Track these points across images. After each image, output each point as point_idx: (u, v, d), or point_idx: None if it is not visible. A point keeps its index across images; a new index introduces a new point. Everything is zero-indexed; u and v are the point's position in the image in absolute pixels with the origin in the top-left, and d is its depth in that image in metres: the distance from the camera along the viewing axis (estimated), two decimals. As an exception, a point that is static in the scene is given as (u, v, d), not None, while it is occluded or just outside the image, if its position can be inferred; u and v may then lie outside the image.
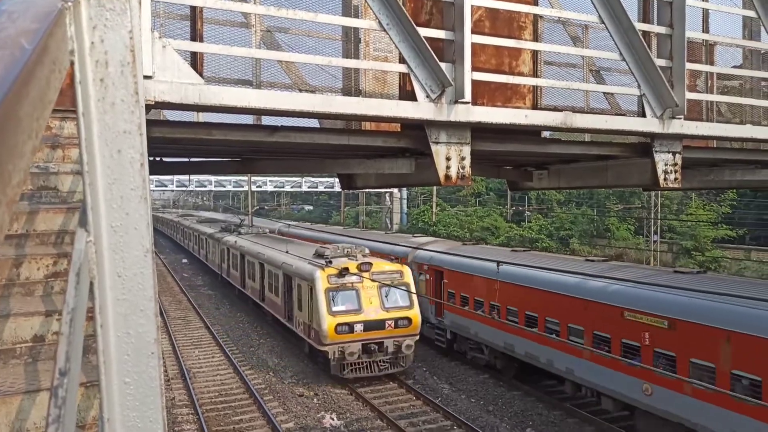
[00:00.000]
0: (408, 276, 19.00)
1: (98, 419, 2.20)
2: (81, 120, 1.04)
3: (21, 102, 0.52)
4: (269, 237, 33.43)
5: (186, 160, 8.04)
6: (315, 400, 17.04)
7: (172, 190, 73.46)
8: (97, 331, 1.06)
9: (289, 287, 21.37)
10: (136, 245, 1.07)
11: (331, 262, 18.76)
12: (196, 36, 4.43)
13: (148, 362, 1.10)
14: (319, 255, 20.41)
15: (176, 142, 5.48)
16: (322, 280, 18.01)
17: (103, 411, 1.05)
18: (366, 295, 18.20)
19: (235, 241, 31.88)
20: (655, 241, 37.47)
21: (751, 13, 6.19)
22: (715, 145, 7.48)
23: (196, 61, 4.40)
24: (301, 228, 43.00)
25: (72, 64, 1.04)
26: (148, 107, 3.73)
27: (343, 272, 18.14)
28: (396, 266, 19.60)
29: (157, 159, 7.23)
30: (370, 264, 18.46)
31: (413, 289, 18.60)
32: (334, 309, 17.82)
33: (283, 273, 22.04)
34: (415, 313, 18.42)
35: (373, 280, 17.69)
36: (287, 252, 23.37)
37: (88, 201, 1.05)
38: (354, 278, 18.25)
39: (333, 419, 15.50)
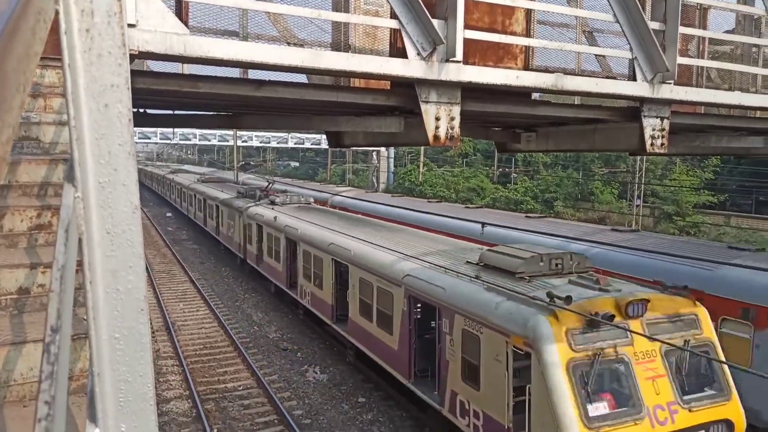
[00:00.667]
0: (708, 326, 9.14)
1: (85, 371, 2.22)
2: (67, 72, 1.01)
3: (7, 56, 0.50)
4: (320, 212, 22.64)
5: (170, 112, 7.89)
6: (299, 354, 17.33)
7: (156, 143, 70.95)
8: (86, 287, 1.06)
9: (445, 332, 10.47)
10: (125, 202, 1.06)
11: (570, 298, 8.07)
12: (181, -17, 4.29)
13: (137, 318, 1.10)
14: (518, 274, 9.84)
15: (160, 94, 5.37)
16: (558, 343, 7.95)
17: (93, 365, 1.06)
18: (644, 373, 8.30)
19: (275, 217, 21.84)
20: (637, 206, 37.95)
21: (747, -22, 6.12)
22: (702, 111, 7.51)
23: (181, 9, 4.28)
24: (357, 199, 29.36)
25: (57, 13, 1.00)
26: (132, 57, 3.64)
27: (600, 320, 7.86)
28: (682, 302, 9.17)
29: (141, 111, 7.09)
30: (645, 302, 8.49)
31: (720, 353, 9.04)
32: (592, 411, 7.76)
33: (436, 307, 10.80)
34: (736, 410, 8.76)
35: (652, 339, 8.06)
36: (416, 258, 12.40)
37: (75, 156, 1.03)
38: (614, 335, 8.26)
39: (316, 373, 15.81)
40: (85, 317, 2.21)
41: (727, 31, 7.16)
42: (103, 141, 1.04)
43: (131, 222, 1.06)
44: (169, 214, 52.07)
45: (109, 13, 1.04)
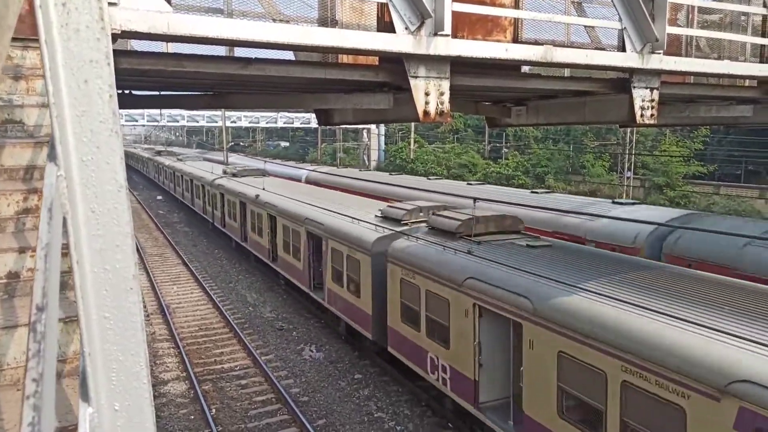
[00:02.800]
0: None
1: (78, 353, 2.22)
2: (44, 48, 0.98)
3: None
4: (260, 180, 27.94)
5: (156, 93, 7.78)
6: (294, 333, 17.44)
7: (143, 125, 69.84)
8: (73, 267, 1.05)
9: (326, 251, 16.59)
10: (109, 180, 1.04)
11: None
12: (162, -40, 4.19)
13: (127, 297, 1.10)
14: None
15: (145, 74, 5.28)
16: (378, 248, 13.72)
17: (84, 345, 1.05)
18: None
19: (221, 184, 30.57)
20: (628, 177, 38.11)
21: (737, -56, 6.07)
22: (692, 81, 7.50)
23: (163, -13, 4.18)
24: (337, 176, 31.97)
25: (30, -15, 0.97)
26: (114, 37, 3.57)
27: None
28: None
29: (126, 92, 6.98)
30: None
31: None
32: None
33: (321, 238, 16.98)
34: None
35: None
36: (317, 206, 19.15)
37: (57, 134, 1.01)
38: None
39: (312, 351, 15.94)
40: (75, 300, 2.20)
41: (717, 0, 7.12)
42: (85, 118, 1.02)
43: (117, 200, 1.05)
44: (159, 197, 51.79)
45: (86, -14, 1.01)
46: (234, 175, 30.55)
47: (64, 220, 1.04)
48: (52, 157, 1.03)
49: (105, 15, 1.10)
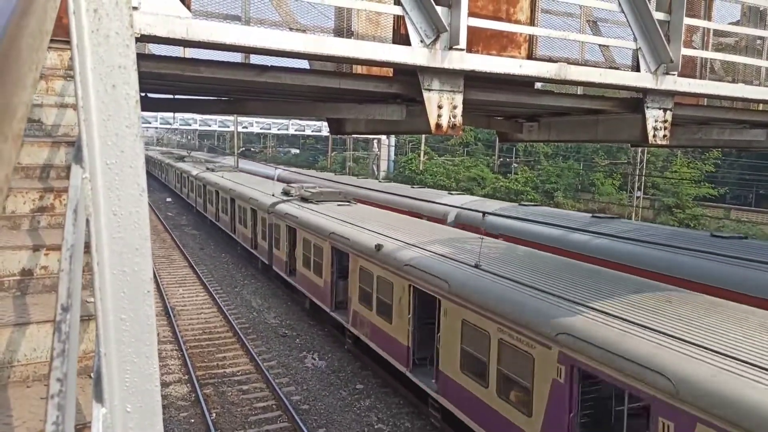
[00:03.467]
0: None
1: (88, 353, 2.24)
2: (75, 53, 1.01)
3: (22, 33, 0.50)
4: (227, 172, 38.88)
5: (171, 96, 7.86)
6: (297, 340, 17.41)
7: (156, 128, 70.29)
8: (93, 269, 1.07)
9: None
10: (131, 183, 1.06)
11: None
12: (183, -34, 4.25)
13: (143, 300, 1.11)
14: None
15: (162, 78, 5.34)
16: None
17: (100, 346, 1.07)
18: None
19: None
20: (638, 197, 37.95)
21: (754, -31, 6.08)
22: (705, 103, 7.49)
23: (183, -7, 4.24)
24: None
25: (66, -6, 1.00)
26: (134, 39, 3.62)
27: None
28: None
29: (142, 94, 7.05)
30: None
31: None
32: None
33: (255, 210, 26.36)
34: None
35: None
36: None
37: (83, 137, 1.03)
38: None
39: (315, 359, 15.90)
40: (88, 299, 2.22)
41: (732, 23, 7.12)
42: (111, 122, 1.04)
43: (138, 204, 1.07)
44: (168, 199, 52.10)
45: (117, -6, 1.04)
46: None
47: (87, 221, 1.06)
48: (77, 159, 1.05)
49: (133, 22, 1.13)
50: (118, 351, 1.05)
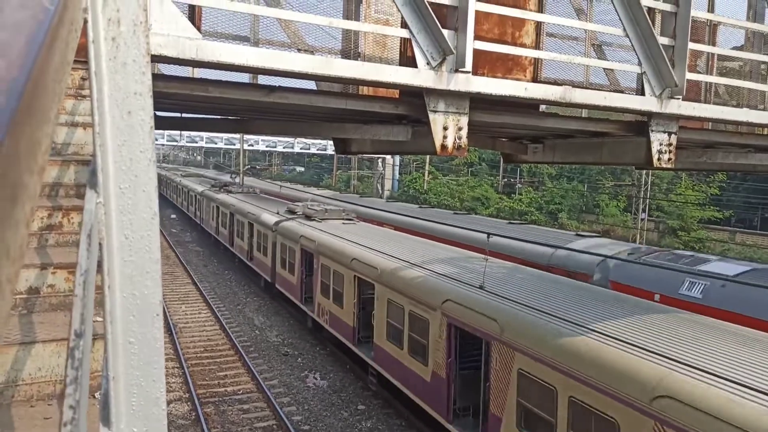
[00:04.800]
0: None
1: (94, 373, 2.23)
2: (93, 79, 1.03)
3: (48, 66, 0.52)
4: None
5: (179, 115, 7.93)
6: (299, 359, 17.31)
7: (163, 145, 70.63)
8: (104, 292, 1.07)
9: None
10: (144, 207, 1.07)
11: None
12: (194, -11, 4.33)
13: (152, 323, 1.12)
14: None
15: (170, 97, 5.40)
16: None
17: (108, 369, 1.07)
18: None
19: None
20: (642, 219, 37.86)
21: (758, -5, 6.14)
22: (710, 127, 7.51)
23: (194, 14, 4.31)
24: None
25: (85, 22, 1.02)
26: (145, 61, 3.66)
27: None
28: None
29: (151, 113, 7.12)
30: None
31: None
32: None
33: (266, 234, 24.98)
34: None
35: None
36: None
37: (99, 162, 1.04)
38: None
39: (317, 378, 15.78)
40: (96, 319, 2.22)
41: (736, 48, 7.17)
42: (125, 147, 1.05)
43: (150, 228, 1.08)
44: (173, 216, 52.25)
45: (135, 23, 1.06)
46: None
47: (100, 245, 1.07)
48: (92, 184, 1.07)
49: (150, 50, 1.15)
50: (126, 374, 1.05)
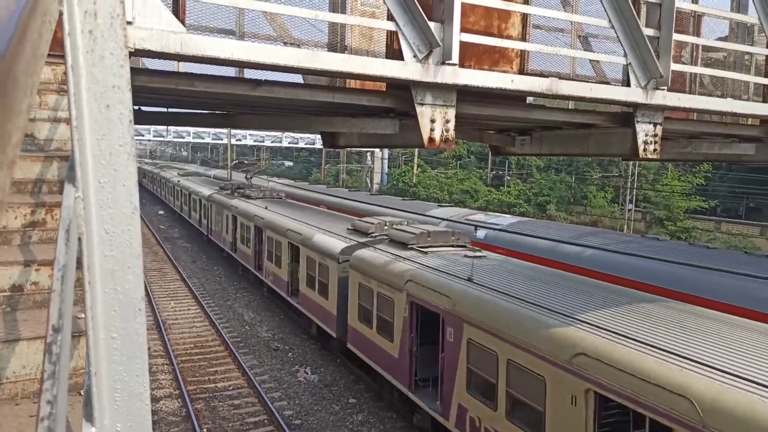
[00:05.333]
0: None
1: (78, 370, 2.22)
2: (70, 73, 1.01)
3: (18, 58, 0.51)
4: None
5: (165, 110, 7.87)
6: (290, 354, 17.31)
7: (149, 140, 69.68)
8: (85, 287, 1.06)
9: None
10: (124, 202, 1.06)
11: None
12: (178, -18, 4.29)
13: (134, 318, 1.11)
14: None
15: (155, 92, 5.35)
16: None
17: (90, 365, 1.06)
18: None
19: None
20: (629, 210, 38.16)
21: (741, -14, 6.19)
22: (695, 118, 7.57)
23: (178, 7, 4.27)
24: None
25: (60, 14, 1.00)
26: (128, 55, 3.62)
27: None
28: None
29: (136, 108, 7.05)
30: None
31: None
32: None
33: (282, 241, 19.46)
34: None
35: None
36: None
37: (77, 156, 1.03)
38: None
39: (307, 373, 15.79)
40: (79, 315, 2.21)
41: (721, 38, 7.22)
42: (104, 141, 1.04)
43: (130, 222, 1.07)
44: (161, 212, 51.90)
45: (112, 15, 1.04)
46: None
47: (80, 240, 1.06)
48: (70, 178, 1.05)
49: (128, 39, 1.13)
50: (108, 370, 1.04)
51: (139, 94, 5.65)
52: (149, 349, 16.89)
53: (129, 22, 3.48)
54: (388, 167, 54.81)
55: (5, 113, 0.47)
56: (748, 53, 7.07)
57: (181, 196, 43.20)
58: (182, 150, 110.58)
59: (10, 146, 0.49)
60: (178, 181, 45.50)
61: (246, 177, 33.62)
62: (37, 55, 0.59)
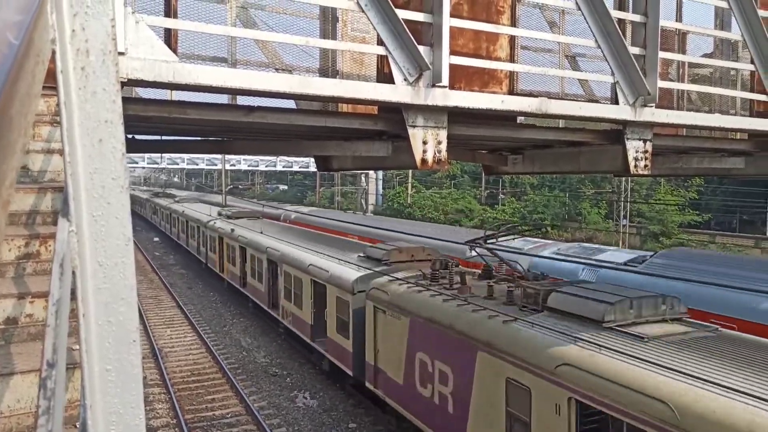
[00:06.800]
0: None
1: (73, 402, 2.20)
2: (63, 109, 1.03)
3: (12, 100, 0.52)
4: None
5: (159, 138, 7.90)
6: (288, 379, 17.13)
7: (143, 167, 69.59)
8: (79, 320, 1.07)
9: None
10: (117, 234, 1.07)
11: None
12: (170, 11, 4.35)
13: (129, 350, 1.11)
14: None
15: (149, 120, 5.38)
16: None
17: (86, 398, 1.06)
18: None
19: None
20: (624, 225, 38.30)
21: (723, 4, 6.31)
22: (684, 133, 7.66)
23: (170, 37, 4.33)
24: None
25: (53, 53, 1.03)
26: (121, 85, 3.66)
27: None
28: None
29: (129, 137, 7.09)
30: None
31: None
32: None
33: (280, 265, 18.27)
34: None
35: None
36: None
37: (70, 191, 1.04)
38: None
39: (306, 398, 15.62)
40: (73, 347, 2.20)
41: (706, 55, 7.34)
42: (97, 175, 1.06)
43: (124, 254, 1.08)
44: (156, 239, 51.71)
45: (104, 52, 1.06)
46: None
47: (74, 273, 1.06)
48: (64, 213, 1.06)
49: (121, 73, 1.16)
50: (103, 402, 1.04)
51: (133, 123, 5.68)
52: (145, 378, 16.68)
53: (121, 53, 3.52)
54: (383, 188, 54.98)
55: (1, 154, 0.48)
56: (733, 69, 7.19)
57: (178, 223, 39.91)
58: (174, 176, 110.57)
59: (4, 187, 0.50)
60: (176, 207, 41.59)
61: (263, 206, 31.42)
62: (31, 95, 0.61)
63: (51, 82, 1.27)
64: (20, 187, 3.54)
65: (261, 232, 23.60)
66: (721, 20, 7.09)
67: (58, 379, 0.98)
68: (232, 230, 26.11)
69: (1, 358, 2.34)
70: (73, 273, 1.05)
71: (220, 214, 31.10)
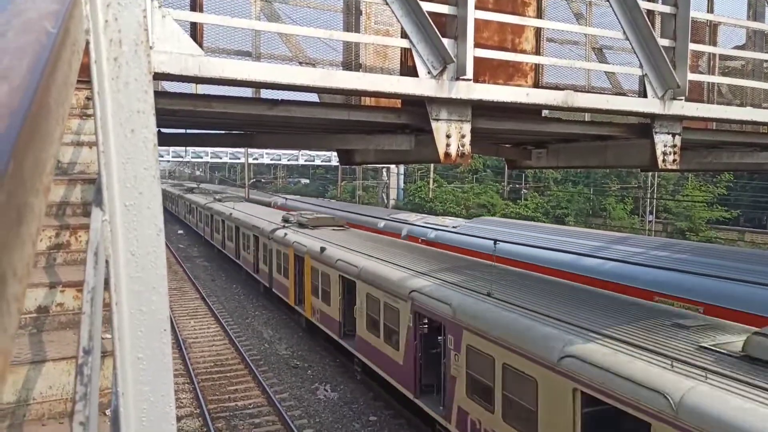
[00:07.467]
0: None
1: (104, 390, 2.24)
2: (96, 99, 1.04)
3: (50, 89, 0.53)
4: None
5: (183, 131, 8.00)
6: (309, 371, 17.26)
7: (168, 161, 70.57)
8: (112, 308, 1.09)
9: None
10: (149, 224, 1.08)
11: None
12: (195, 6, 4.38)
13: (160, 338, 1.13)
14: None
15: (174, 114, 5.44)
16: None
17: (118, 385, 1.08)
18: None
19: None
20: (650, 221, 37.68)
21: (757, -6, 6.14)
22: (714, 127, 7.49)
23: (195, 31, 4.36)
24: None
25: (87, 43, 1.04)
26: (148, 79, 3.70)
27: None
28: None
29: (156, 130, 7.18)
30: None
31: None
32: None
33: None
34: None
35: None
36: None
37: (104, 180, 1.06)
38: None
39: (327, 390, 15.73)
40: (104, 336, 2.24)
41: (738, 47, 7.16)
42: (130, 165, 1.07)
43: (156, 244, 1.09)
44: (180, 232, 52.42)
45: (136, 42, 1.08)
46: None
47: (107, 262, 1.08)
48: (98, 202, 1.08)
49: (152, 68, 1.17)
50: (135, 390, 1.06)
51: (158, 116, 5.74)
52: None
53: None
54: (404, 182, 54.88)
55: (40, 143, 0.49)
56: (766, 61, 7.00)
57: (225, 227, 33.03)
58: (197, 169, 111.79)
59: (45, 174, 0.51)
60: (227, 211, 33.26)
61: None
62: (68, 84, 0.62)
63: (81, 75, 1.29)
64: (52, 179, 3.60)
65: (389, 261, 14.43)
66: (754, 11, 6.91)
67: (93, 366, 0.99)
68: (323, 249, 17.20)
69: (33, 345, 2.40)
70: (107, 262, 1.06)
71: (287, 220, 23.27)
